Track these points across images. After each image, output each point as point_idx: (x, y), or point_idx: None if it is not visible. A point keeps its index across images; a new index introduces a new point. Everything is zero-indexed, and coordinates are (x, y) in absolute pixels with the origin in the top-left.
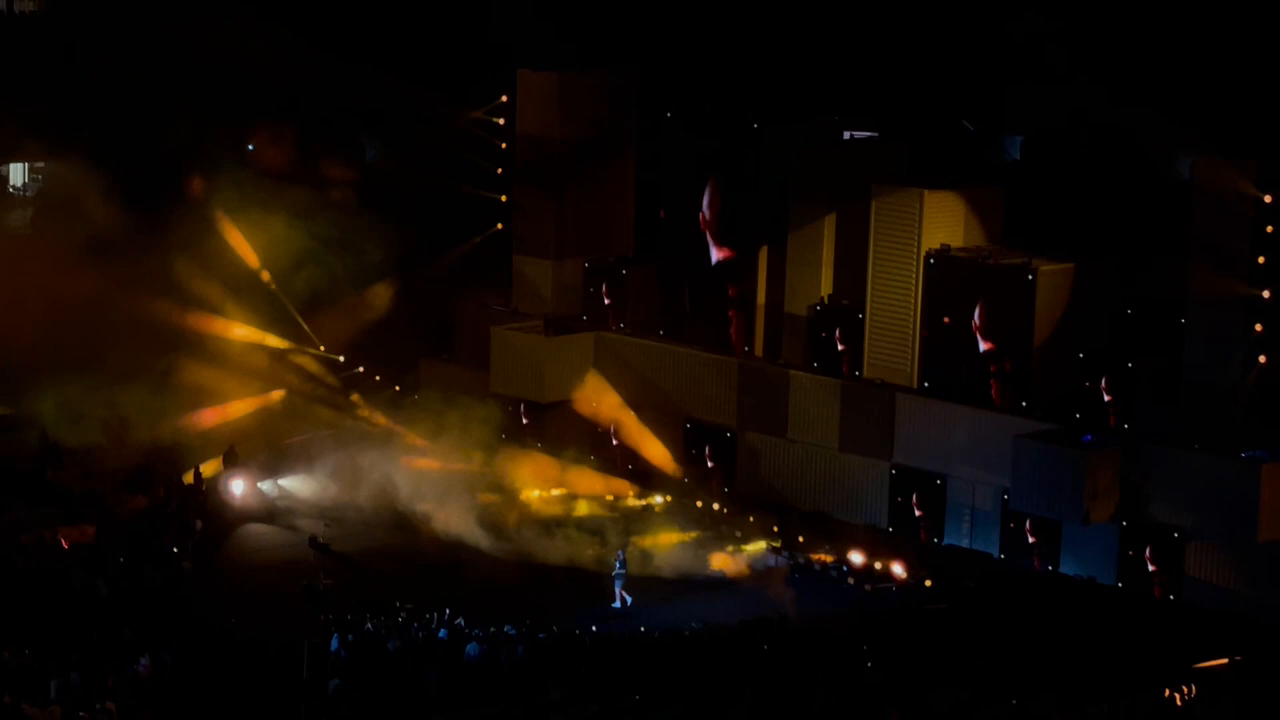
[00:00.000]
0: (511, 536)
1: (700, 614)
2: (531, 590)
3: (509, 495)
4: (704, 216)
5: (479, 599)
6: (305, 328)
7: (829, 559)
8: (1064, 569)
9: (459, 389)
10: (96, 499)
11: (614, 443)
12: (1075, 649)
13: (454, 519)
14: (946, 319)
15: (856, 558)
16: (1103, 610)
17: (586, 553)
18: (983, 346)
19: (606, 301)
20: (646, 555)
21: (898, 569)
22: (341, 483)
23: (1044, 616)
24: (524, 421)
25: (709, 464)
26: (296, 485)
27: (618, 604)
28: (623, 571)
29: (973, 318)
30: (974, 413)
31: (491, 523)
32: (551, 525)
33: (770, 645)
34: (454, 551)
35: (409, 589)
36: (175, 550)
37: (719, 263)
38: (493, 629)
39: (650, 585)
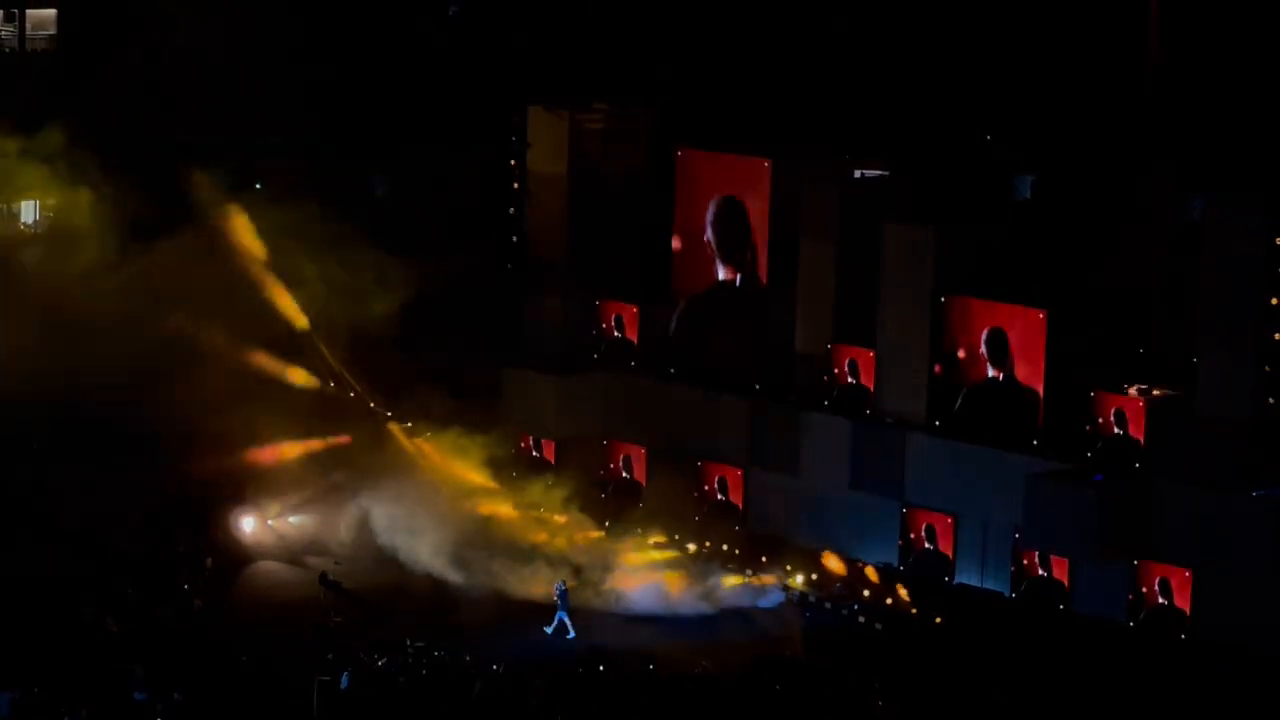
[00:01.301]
0: (482, 570)
1: (707, 651)
2: (518, 625)
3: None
4: (707, 240)
5: (474, 634)
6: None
7: (838, 596)
8: (1076, 607)
9: (466, 424)
10: (106, 536)
11: (624, 475)
12: (1084, 683)
13: (423, 552)
14: (962, 353)
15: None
16: (1113, 647)
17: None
18: (990, 373)
19: (616, 335)
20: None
21: (905, 601)
22: (322, 516)
23: (1054, 651)
24: (535, 454)
25: (719, 500)
26: (303, 521)
27: (550, 629)
28: (562, 602)
29: (979, 346)
30: (985, 451)
31: (461, 556)
32: (525, 558)
33: (781, 684)
34: (442, 587)
35: (409, 625)
36: (186, 587)
37: (724, 283)
38: (495, 666)
39: (647, 620)
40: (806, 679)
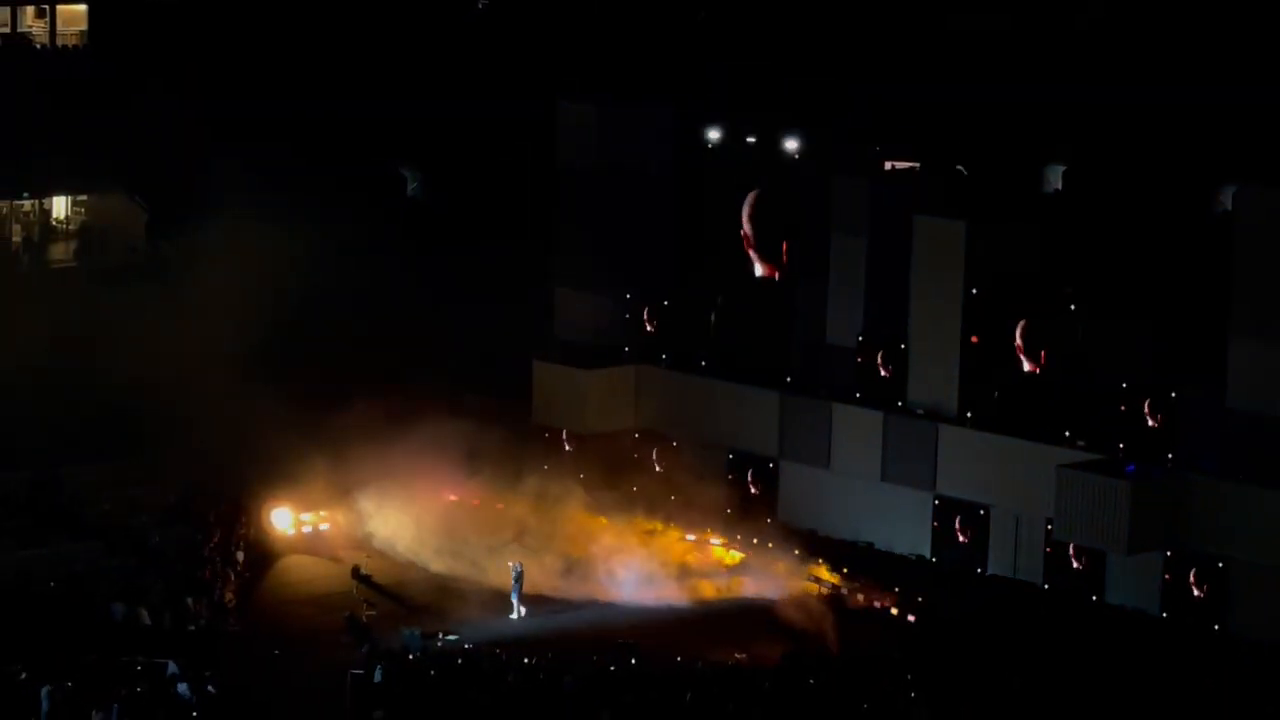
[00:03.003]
0: (459, 557)
1: (741, 645)
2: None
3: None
4: (745, 234)
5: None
6: None
7: (872, 589)
8: (1109, 598)
9: (498, 421)
10: (138, 531)
11: (657, 469)
12: (1114, 676)
13: (399, 539)
14: (975, 338)
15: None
16: (1146, 638)
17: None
18: (1026, 367)
19: (649, 328)
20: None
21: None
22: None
23: (1084, 644)
24: (566, 449)
25: (751, 492)
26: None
27: (515, 615)
28: (518, 584)
29: (1014, 338)
30: (1018, 443)
31: (439, 545)
32: (497, 545)
33: (814, 678)
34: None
35: (417, 619)
36: (218, 581)
37: (761, 279)
38: (526, 660)
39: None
40: (838, 672)
